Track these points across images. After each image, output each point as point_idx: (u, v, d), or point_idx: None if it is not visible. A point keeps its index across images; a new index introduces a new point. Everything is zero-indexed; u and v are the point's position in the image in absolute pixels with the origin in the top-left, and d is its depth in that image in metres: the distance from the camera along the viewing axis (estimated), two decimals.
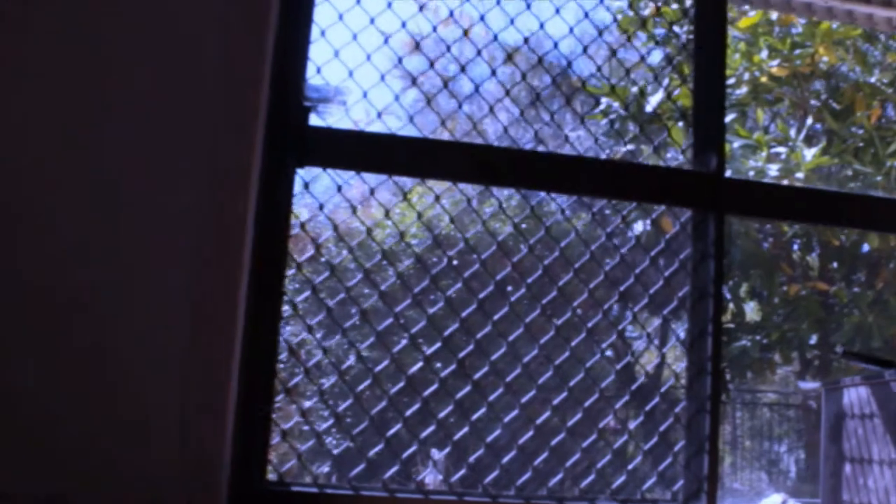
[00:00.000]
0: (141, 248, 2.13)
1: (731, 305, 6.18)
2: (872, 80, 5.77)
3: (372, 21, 2.65)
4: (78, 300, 2.09)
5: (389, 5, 2.69)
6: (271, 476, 2.31)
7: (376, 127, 2.63)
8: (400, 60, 2.68)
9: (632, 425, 2.70)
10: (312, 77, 2.49)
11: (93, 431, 2.05)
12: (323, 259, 2.60)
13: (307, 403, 2.43)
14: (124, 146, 2.16)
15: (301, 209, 2.52)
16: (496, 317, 2.63)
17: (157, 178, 2.16)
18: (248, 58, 2.28)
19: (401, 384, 2.52)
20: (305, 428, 2.49)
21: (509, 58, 2.97)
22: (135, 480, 2.06)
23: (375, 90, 2.64)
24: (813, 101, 6.11)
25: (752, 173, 5.61)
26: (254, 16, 2.31)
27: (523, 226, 2.72)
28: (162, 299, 2.14)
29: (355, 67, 2.63)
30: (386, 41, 2.67)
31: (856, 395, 2.43)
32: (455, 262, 2.72)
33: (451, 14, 2.82)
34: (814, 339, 6.19)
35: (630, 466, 2.60)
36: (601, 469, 2.61)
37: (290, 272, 2.38)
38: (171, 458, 2.07)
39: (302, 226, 2.48)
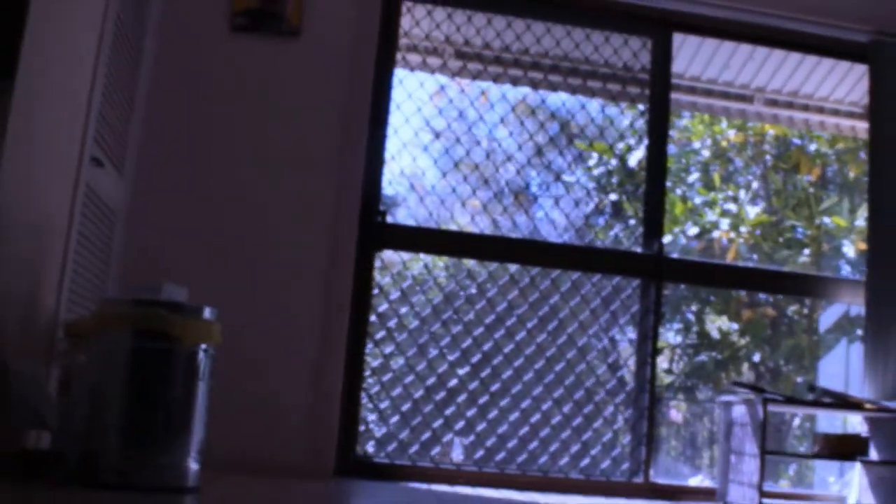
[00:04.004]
0: (286, 314, 3.30)
1: (695, 327, 7.25)
2: (812, 147, 6.86)
3: (425, 149, 3.79)
4: (251, 344, 3.26)
5: (438, 136, 3.83)
6: (359, 451, 3.46)
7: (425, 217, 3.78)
8: (444, 174, 3.80)
9: (595, 425, 3.78)
10: (386, 188, 3.64)
11: (256, 417, 3.22)
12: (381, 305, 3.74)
13: (382, 405, 3.57)
14: (273, 246, 3.34)
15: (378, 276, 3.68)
16: (506, 349, 3.77)
17: (300, 267, 3.33)
18: (350, 182, 3.43)
19: (442, 393, 3.66)
20: (379, 421, 3.65)
21: (524, 121, 4.09)
22: (280, 446, 3.22)
23: (430, 196, 3.81)
24: (767, 157, 7.17)
25: (707, 225, 6.73)
26: (353, 154, 3.45)
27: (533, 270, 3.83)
28: (301, 330, 3.30)
29: (415, 180, 3.80)
30: (435, 162, 3.82)
31: (739, 410, 3.48)
32: (479, 305, 3.85)
33: (493, 135, 3.95)
34: (758, 357, 7.19)
35: (593, 452, 3.70)
36: (573, 454, 3.72)
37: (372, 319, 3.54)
38: (303, 434, 3.21)
39: (380, 288, 3.63)
